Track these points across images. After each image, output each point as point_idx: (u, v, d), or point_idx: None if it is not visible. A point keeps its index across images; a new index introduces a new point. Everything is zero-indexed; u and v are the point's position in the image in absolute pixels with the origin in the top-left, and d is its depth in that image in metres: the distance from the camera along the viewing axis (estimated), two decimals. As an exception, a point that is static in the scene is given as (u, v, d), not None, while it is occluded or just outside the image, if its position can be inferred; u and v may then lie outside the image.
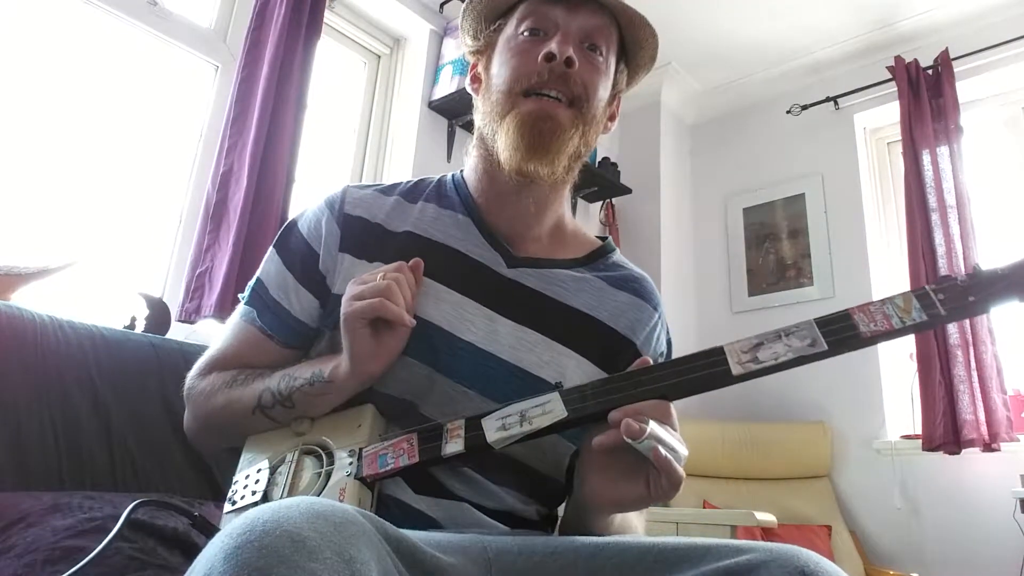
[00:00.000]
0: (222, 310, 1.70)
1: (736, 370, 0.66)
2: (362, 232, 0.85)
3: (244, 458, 0.84)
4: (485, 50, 0.88)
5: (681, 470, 0.65)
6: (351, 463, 0.72)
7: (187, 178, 1.98)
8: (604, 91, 0.85)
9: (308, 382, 0.77)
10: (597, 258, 0.91)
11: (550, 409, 0.68)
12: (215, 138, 1.91)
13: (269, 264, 0.88)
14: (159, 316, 1.56)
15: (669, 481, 0.64)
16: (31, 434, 1.10)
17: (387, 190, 0.90)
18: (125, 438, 1.21)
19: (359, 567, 0.47)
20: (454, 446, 0.69)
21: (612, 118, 0.91)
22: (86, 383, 1.19)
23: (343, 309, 0.73)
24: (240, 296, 0.92)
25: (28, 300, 1.34)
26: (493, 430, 0.68)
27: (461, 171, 0.94)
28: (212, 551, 0.47)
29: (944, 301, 0.63)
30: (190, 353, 1.37)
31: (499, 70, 0.84)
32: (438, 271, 0.82)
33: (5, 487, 1.03)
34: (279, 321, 0.85)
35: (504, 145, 0.81)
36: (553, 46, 0.79)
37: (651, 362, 0.72)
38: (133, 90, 1.95)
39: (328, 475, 0.73)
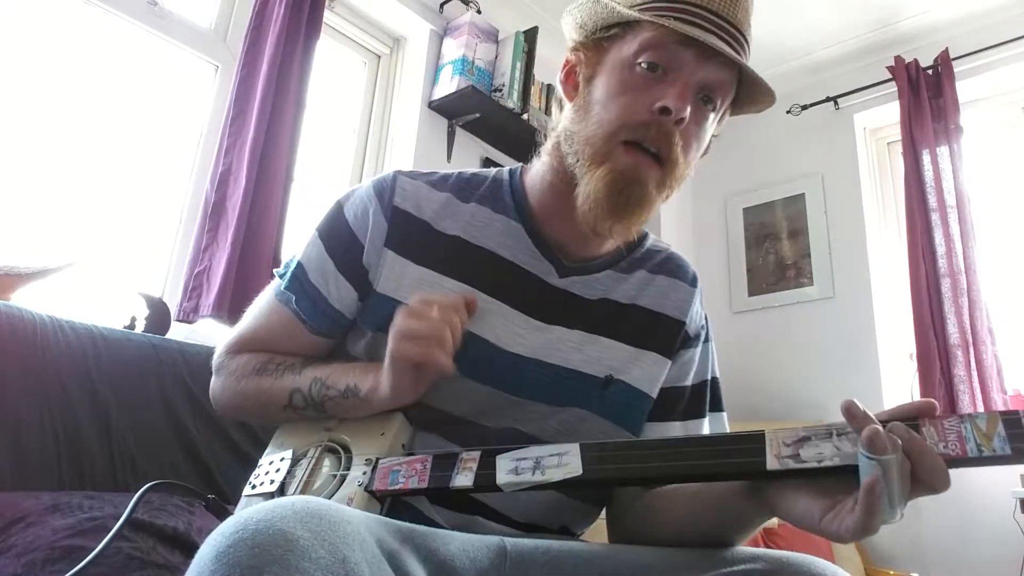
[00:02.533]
0: (220, 309, 1.70)
1: (772, 464, 0.58)
2: (408, 228, 0.82)
3: (273, 442, 0.85)
4: (593, 55, 0.80)
5: (879, 524, 0.53)
6: (365, 472, 0.72)
7: (187, 178, 1.98)
8: (704, 144, 0.81)
9: (342, 395, 0.77)
10: (636, 246, 0.90)
11: (566, 462, 0.65)
12: (214, 138, 1.91)
13: (311, 248, 0.85)
14: (159, 316, 1.56)
15: (860, 522, 0.53)
16: (31, 434, 1.10)
17: (438, 183, 0.86)
18: (125, 438, 1.21)
19: (353, 567, 0.46)
20: (463, 479, 0.67)
21: (704, 152, 0.85)
22: (86, 383, 1.19)
23: (393, 343, 0.70)
24: (276, 272, 0.89)
25: (28, 300, 1.34)
26: (504, 472, 0.67)
27: (520, 169, 0.90)
28: (205, 550, 0.46)
29: None
30: (190, 353, 1.38)
31: (605, 100, 0.77)
32: (488, 282, 0.80)
33: (5, 487, 1.03)
34: (315, 308, 0.83)
35: (586, 194, 0.76)
36: (670, 100, 0.72)
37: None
38: (133, 90, 1.95)
39: (342, 479, 0.73)
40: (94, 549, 0.74)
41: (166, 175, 1.98)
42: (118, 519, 0.77)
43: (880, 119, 3.02)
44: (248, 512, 0.48)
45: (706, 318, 0.92)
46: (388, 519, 0.56)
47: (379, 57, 2.64)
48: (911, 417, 0.56)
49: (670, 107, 0.72)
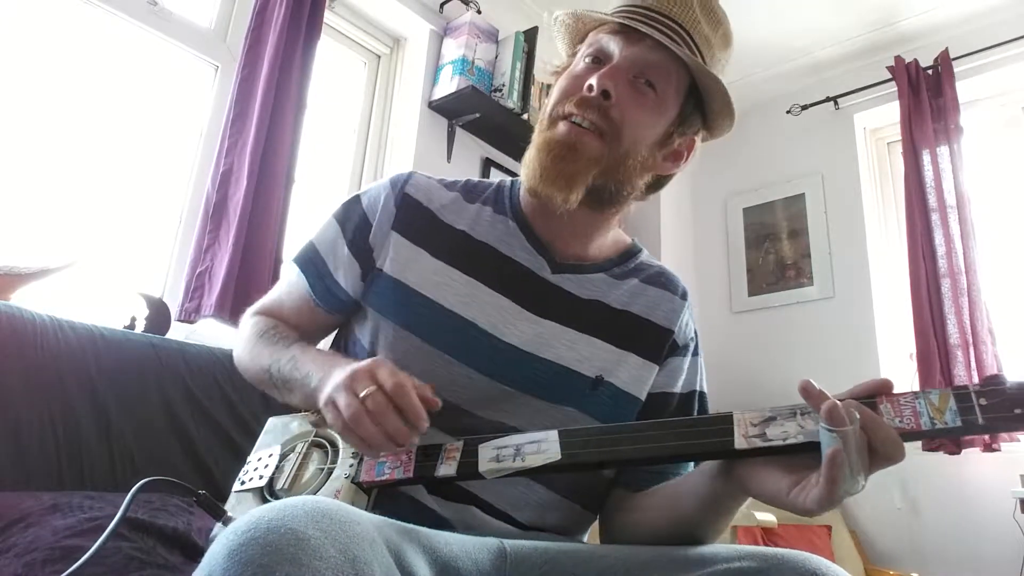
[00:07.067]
0: (222, 309, 1.70)
1: (740, 443, 0.62)
2: (415, 215, 0.88)
3: (261, 439, 0.87)
4: (562, 72, 0.89)
5: (841, 494, 0.56)
6: (351, 465, 0.73)
7: (187, 178, 1.98)
8: (650, 129, 0.83)
9: (303, 378, 0.78)
10: (629, 257, 0.94)
11: (545, 449, 0.67)
12: (215, 138, 1.91)
13: (327, 228, 0.92)
14: (159, 316, 1.56)
15: (824, 492, 0.56)
16: (31, 434, 1.10)
17: (449, 185, 0.94)
18: (125, 438, 1.21)
19: (363, 567, 0.47)
20: (447, 468, 0.69)
21: (676, 158, 0.89)
22: (86, 383, 1.19)
23: (335, 420, 0.69)
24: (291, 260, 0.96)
25: (28, 300, 1.34)
26: (487, 460, 0.68)
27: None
28: (216, 548, 0.47)
29: (986, 408, 0.55)
30: (190, 353, 1.38)
31: (554, 92, 0.86)
32: (489, 275, 0.85)
33: (5, 487, 1.03)
34: (321, 283, 0.89)
35: (526, 163, 0.84)
36: (594, 78, 0.80)
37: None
38: (133, 90, 1.95)
39: (329, 473, 0.74)
40: (95, 545, 0.74)
41: (167, 175, 1.98)
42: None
43: (880, 119, 3.02)
44: (259, 511, 0.49)
45: (696, 333, 0.95)
46: (393, 520, 0.57)
47: (379, 57, 2.64)
48: (869, 395, 0.60)
49: (593, 83, 0.80)
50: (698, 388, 0.93)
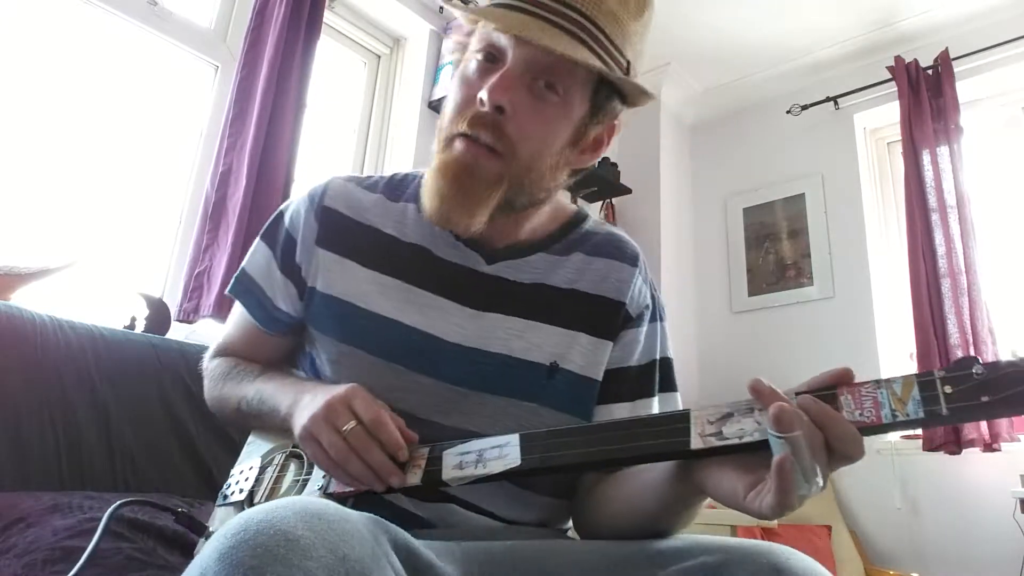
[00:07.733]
0: (221, 309, 1.70)
1: (695, 443, 0.59)
2: (338, 226, 0.84)
3: (244, 451, 0.86)
4: (461, 53, 0.81)
5: (795, 500, 0.52)
6: (324, 476, 0.72)
7: (187, 178, 1.98)
8: (554, 136, 0.76)
9: (271, 411, 0.79)
10: (571, 229, 0.88)
11: (506, 454, 0.65)
12: (215, 138, 1.91)
13: (256, 253, 0.89)
14: (159, 316, 1.56)
15: (776, 499, 0.53)
16: (31, 434, 1.10)
17: (371, 186, 0.88)
18: (125, 438, 1.21)
19: (353, 564, 0.47)
20: (413, 477, 0.68)
21: (595, 147, 0.82)
22: (86, 383, 1.19)
23: (305, 424, 0.69)
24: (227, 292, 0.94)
25: (28, 300, 1.34)
26: (450, 467, 0.67)
27: None
28: (207, 551, 0.47)
29: (951, 396, 0.51)
30: (190, 353, 1.37)
31: (450, 96, 0.79)
32: (421, 276, 0.81)
33: (5, 487, 1.03)
34: (262, 309, 0.87)
35: (424, 189, 0.78)
36: (484, 91, 0.72)
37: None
38: (133, 90, 1.95)
39: (304, 484, 0.74)
40: (95, 550, 0.74)
41: (166, 175, 1.98)
42: (116, 520, 0.77)
43: (880, 119, 3.02)
44: (249, 513, 0.49)
45: (653, 297, 0.89)
46: (379, 518, 0.56)
47: (379, 57, 2.64)
48: (828, 387, 0.56)
49: (484, 98, 0.71)
50: (658, 356, 0.87)
